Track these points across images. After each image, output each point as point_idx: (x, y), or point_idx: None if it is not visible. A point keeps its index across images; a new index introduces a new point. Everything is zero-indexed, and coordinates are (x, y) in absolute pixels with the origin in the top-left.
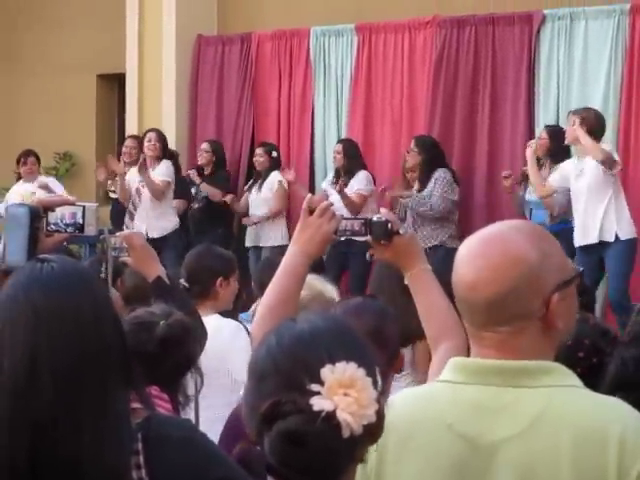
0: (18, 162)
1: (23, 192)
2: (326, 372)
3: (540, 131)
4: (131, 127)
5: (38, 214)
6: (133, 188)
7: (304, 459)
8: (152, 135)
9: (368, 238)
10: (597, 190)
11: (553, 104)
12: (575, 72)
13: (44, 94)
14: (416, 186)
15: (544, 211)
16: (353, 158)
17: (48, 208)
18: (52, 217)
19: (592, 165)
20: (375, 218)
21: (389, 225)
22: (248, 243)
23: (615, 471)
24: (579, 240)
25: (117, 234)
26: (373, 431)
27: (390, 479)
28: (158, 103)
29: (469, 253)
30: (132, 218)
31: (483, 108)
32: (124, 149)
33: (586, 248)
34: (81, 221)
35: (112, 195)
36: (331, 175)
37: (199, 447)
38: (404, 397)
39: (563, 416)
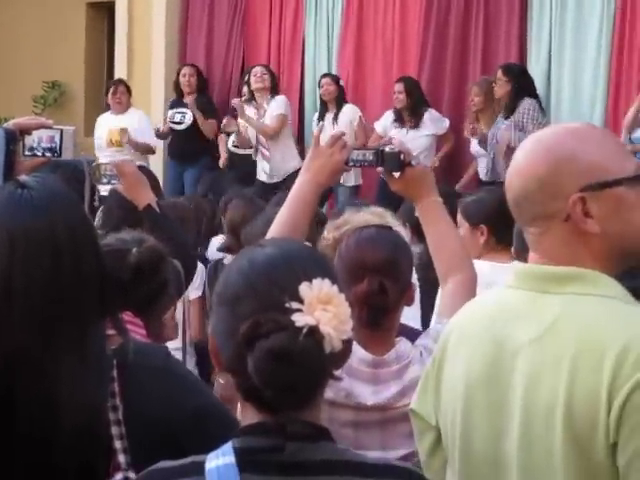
0: (107, 92)
1: (112, 127)
2: (304, 289)
3: None
4: (120, 55)
5: (14, 137)
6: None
7: (289, 376)
8: (259, 69)
9: (380, 169)
10: None
11: (546, 37)
12: (568, 6)
13: (33, 23)
14: (502, 114)
15: None
16: (417, 97)
17: (25, 131)
18: (29, 140)
19: None
20: (387, 149)
21: (401, 156)
22: None
23: (606, 390)
24: None
25: (108, 161)
26: (347, 349)
27: (446, 373)
28: (148, 31)
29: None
30: (264, 158)
31: (475, 43)
32: (182, 78)
33: None
34: (59, 144)
35: (175, 127)
36: (390, 116)
37: (175, 376)
38: (474, 300)
39: (572, 325)
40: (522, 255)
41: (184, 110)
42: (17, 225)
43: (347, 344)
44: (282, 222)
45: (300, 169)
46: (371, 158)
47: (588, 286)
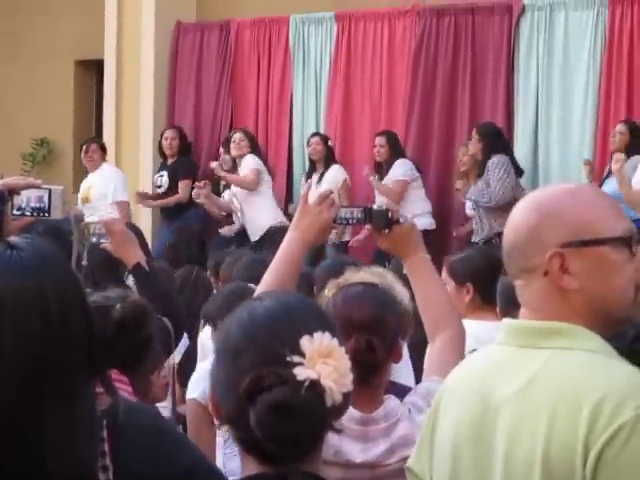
0: (80, 150)
1: (84, 185)
2: (305, 342)
3: (619, 126)
4: (109, 114)
5: (3, 197)
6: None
7: (291, 429)
8: (237, 136)
9: (368, 226)
10: None
11: (532, 95)
12: (555, 62)
13: (22, 80)
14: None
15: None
16: (398, 150)
17: (13, 191)
18: (18, 200)
19: None
20: (375, 206)
21: (389, 214)
22: None
23: (582, 443)
24: None
25: (97, 220)
26: (347, 401)
27: (438, 435)
28: (136, 90)
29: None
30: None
31: (462, 97)
32: (164, 141)
33: None
34: (47, 204)
35: (159, 191)
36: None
37: (165, 435)
38: (465, 360)
39: (551, 379)
40: (508, 314)
41: (162, 173)
42: (6, 285)
43: (347, 396)
44: (269, 281)
45: (279, 224)
46: (359, 216)
47: (570, 340)
